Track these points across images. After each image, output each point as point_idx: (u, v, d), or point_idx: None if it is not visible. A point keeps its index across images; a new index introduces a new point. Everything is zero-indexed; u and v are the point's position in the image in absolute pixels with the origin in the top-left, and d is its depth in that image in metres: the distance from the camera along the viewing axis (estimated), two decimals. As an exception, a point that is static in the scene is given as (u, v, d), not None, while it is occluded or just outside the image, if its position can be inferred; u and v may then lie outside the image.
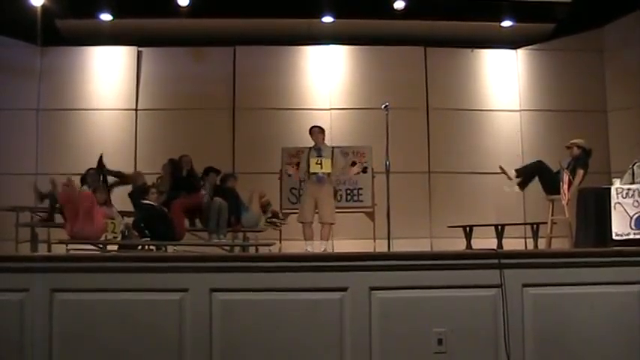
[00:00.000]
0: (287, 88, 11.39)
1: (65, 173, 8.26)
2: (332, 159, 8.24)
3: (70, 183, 7.94)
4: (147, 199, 8.19)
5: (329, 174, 8.22)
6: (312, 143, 8.40)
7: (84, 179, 8.67)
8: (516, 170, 8.80)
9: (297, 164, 8.64)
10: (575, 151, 8.54)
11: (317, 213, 8.27)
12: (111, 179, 9.10)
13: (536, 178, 8.79)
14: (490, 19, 10.97)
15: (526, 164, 9.08)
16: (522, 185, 8.77)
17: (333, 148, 8.43)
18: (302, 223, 8.29)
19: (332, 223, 8.29)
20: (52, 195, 8.56)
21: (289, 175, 9.13)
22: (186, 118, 11.10)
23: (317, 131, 8.39)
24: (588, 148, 8.61)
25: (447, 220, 9.88)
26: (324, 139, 8.45)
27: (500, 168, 8.82)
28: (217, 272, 4.41)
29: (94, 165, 9.02)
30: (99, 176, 8.84)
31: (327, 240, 8.20)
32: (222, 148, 10.99)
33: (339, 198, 9.45)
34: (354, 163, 9.01)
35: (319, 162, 8.16)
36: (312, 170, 8.19)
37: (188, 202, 8.46)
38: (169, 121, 11.14)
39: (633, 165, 7.50)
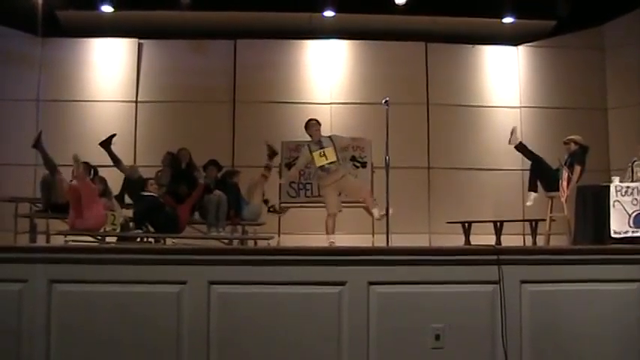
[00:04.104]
0: (288, 82, 11.37)
1: (64, 164, 8.22)
2: (333, 146, 8.12)
3: (80, 173, 7.88)
4: (147, 191, 8.18)
5: (334, 162, 8.12)
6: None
7: None
8: (521, 142, 9.05)
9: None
10: (572, 147, 8.57)
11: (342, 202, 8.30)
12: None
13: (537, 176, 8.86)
14: (491, 15, 10.97)
15: (531, 150, 9.10)
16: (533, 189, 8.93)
17: (329, 136, 8.30)
18: (332, 214, 8.17)
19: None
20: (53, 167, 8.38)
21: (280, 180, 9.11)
22: (186, 110, 11.08)
23: (314, 124, 8.25)
24: (585, 144, 8.63)
25: (446, 216, 9.86)
26: (319, 130, 8.31)
27: (513, 129, 9.09)
28: (216, 265, 4.42)
29: (92, 160, 9.00)
30: (89, 170, 8.82)
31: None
32: (222, 141, 10.97)
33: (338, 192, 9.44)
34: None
35: (322, 154, 8.07)
36: (318, 164, 8.11)
37: (193, 201, 8.41)
38: (169, 113, 11.12)
39: (632, 163, 7.51)
